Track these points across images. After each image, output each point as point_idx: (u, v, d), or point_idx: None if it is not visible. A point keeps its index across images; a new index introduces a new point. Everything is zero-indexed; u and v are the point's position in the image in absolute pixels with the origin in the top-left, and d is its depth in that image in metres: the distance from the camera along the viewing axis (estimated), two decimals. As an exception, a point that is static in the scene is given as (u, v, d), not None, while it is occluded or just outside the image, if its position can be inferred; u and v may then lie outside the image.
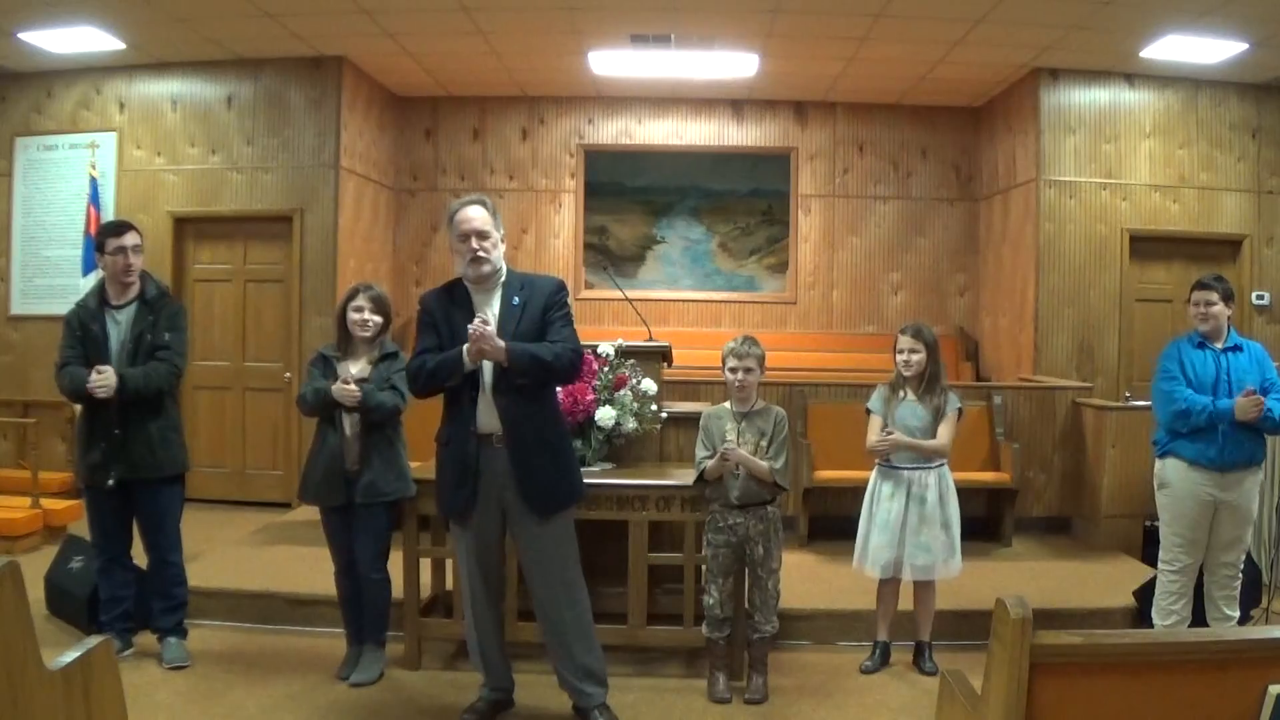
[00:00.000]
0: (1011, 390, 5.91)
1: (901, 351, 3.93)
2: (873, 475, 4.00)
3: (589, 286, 7.85)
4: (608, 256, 7.85)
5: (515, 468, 3.13)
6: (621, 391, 4.11)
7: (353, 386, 3.60)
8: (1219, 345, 3.83)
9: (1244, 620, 4.00)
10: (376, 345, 3.79)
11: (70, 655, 2.06)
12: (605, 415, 4.03)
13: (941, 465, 3.91)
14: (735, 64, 6.77)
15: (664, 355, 4.38)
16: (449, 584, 3.94)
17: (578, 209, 7.89)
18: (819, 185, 7.85)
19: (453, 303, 3.22)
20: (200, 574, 4.39)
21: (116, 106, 6.89)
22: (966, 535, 3.96)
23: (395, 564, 3.82)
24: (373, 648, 3.78)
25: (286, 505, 6.48)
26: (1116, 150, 6.76)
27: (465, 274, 3.21)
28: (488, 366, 3.12)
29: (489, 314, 3.13)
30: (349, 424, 3.65)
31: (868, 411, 4.00)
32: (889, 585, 3.96)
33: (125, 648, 3.83)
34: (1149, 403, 4.26)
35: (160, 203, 6.80)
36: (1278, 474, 4.80)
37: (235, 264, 6.88)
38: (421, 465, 3.88)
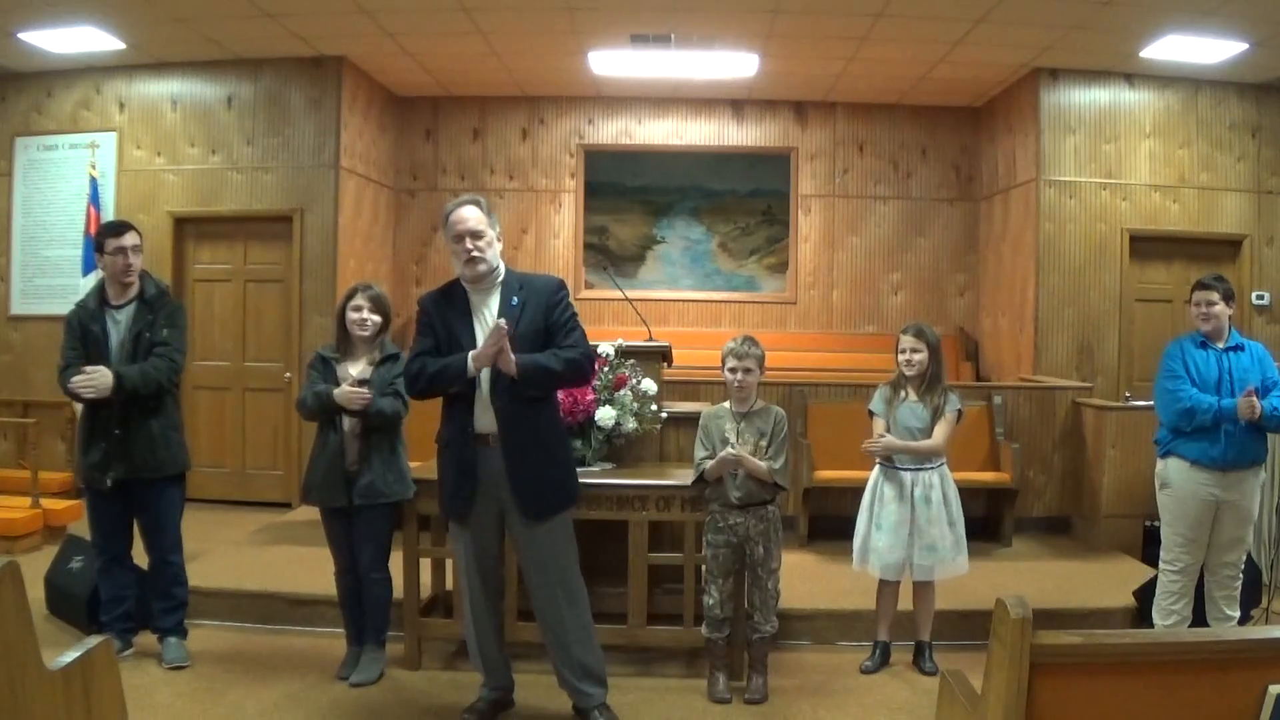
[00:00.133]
0: (1011, 390, 5.91)
1: (904, 351, 3.93)
2: (873, 475, 4.00)
3: (589, 286, 7.84)
4: (608, 256, 7.85)
5: (510, 469, 3.12)
6: (621, 391, 4.11)
7: (363, 390, 3.59)
8: (1221, 345, 3.84)
9: (1244, 620, 4.00)
10: (376, 346, 3.78)
11: (70, 655, 2.06)
12: (605, 415, 4.03)
13: (941, 464, 3.91)
14: (735, 64, 6.77)
15: (664, 355, 4.38)
16: (449, 584, 3.94)
17: (578, 209, 7.89)
18: (819, 185, 7.85)
19: (450, 304, 3.22)
20: (200, 574, 4.39)
21: (116, 106, 6.89)
22: (967, 535, 3.95)
23: (395, 564, 3.82)
24: (373, 648, 3.78)
25: (287, 505, 6.48)
26: (1116, 150, 6.76)
27: (462, 274, 3.20)
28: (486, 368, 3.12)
29: (486, 315, 3.14)
30: (349, 423, 3.66)
31: (870, 414, 4.00)
32: (889, 585, 3.96)
33: (125, 648, 3.84)
34: (1149, 403, 4.27)
35: (160, 203, 6.80)
36: (1278, 474, 4.80)
37: (235, 264, 6.88)
38: (421, 465, 3.88)
